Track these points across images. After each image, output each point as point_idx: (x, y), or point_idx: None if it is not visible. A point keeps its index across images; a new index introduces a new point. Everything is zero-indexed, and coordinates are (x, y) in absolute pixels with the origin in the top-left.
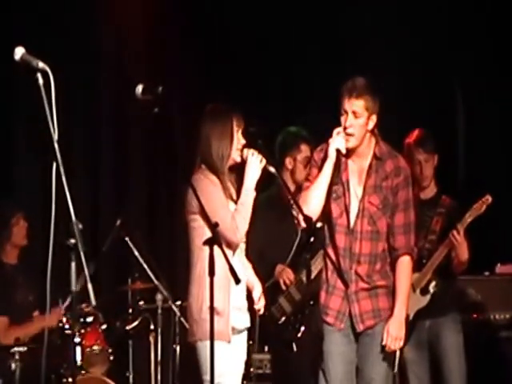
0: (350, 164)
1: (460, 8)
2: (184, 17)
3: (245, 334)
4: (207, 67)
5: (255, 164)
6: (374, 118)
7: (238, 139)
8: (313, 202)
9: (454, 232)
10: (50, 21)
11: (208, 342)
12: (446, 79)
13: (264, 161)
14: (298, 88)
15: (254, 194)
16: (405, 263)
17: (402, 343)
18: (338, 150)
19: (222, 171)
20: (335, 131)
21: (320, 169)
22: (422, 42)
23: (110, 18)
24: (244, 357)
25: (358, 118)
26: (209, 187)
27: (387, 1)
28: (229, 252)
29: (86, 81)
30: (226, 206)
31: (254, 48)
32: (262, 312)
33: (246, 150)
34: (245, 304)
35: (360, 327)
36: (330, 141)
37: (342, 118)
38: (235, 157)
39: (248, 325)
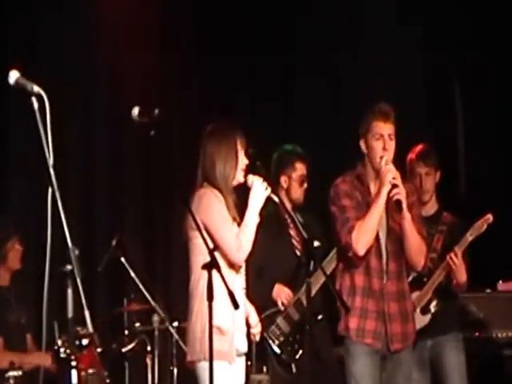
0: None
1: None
2: (183, 36)
3: (243, 359)
4: (205, 87)
5: (261, 191)
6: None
7: (242, 159)
8: (369, 236)
9: (452, 255)
10: (44, 44)
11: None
12: (447, 95)
13: (269, 189)
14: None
15: (257, 219)
16: None
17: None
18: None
19: (226, 191)
20: (384, 160)
21: (353, 198)
22: (422, 57)
23: (106, 38)
24: (242, 381)
25: (392, 139)
26: (215, 202)
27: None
28: (231, 272)
29: (80, 103)
30: (231, 224)
31: (253, 69)
32: (258, 338)
33: (251, 176)
34: (245, 327)
35: (390, 348)
36: (384, 169)
37: (379, 143)
38: (239, 177)
39: (246, 349)
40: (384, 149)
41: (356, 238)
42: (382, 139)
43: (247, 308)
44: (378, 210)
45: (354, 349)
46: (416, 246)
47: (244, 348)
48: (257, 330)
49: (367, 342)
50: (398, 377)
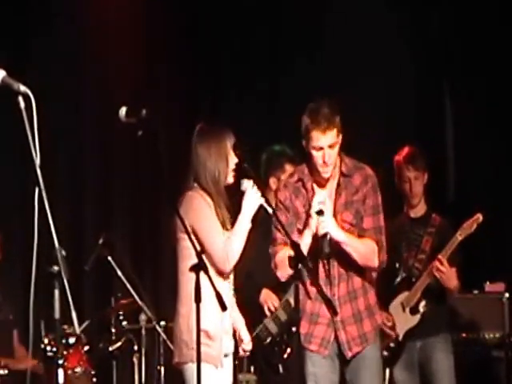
0: (317, 190)
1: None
2: (170, 33)
3: (230, 359)
4: (191, 87)
5: (254, 199)
6: (340, 137)
7: (232, 160)
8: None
9: (437, 264)
10: (31, 43)
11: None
12: (436, 93)
13: (263, 198)
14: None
15: (249, 225)
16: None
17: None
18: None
19: (216, 195)
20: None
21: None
22: (411, 57)
23: (94, 37)
24: (230, 382)
25: (333, 147)
26: (204, 208)
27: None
28: (219, 274)
29: (68, 104)
30: (219, 232)
31: (240, 64)
32: (248, 351)
33: (245, 181)
34: (231, 328)
35: (348, 354)
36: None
37: (318, 154)
38: (229, 178)
39: (233, 350)
40: (324, 163)
41: (277, 267)
42: (321, 151)
43: (238, 322)
44: (308, 235)
45: (304, 353)
46: (359, 254)
47: (230, 349)
48: (248, 347)
49: (312, 348)
50: (363, 374)
